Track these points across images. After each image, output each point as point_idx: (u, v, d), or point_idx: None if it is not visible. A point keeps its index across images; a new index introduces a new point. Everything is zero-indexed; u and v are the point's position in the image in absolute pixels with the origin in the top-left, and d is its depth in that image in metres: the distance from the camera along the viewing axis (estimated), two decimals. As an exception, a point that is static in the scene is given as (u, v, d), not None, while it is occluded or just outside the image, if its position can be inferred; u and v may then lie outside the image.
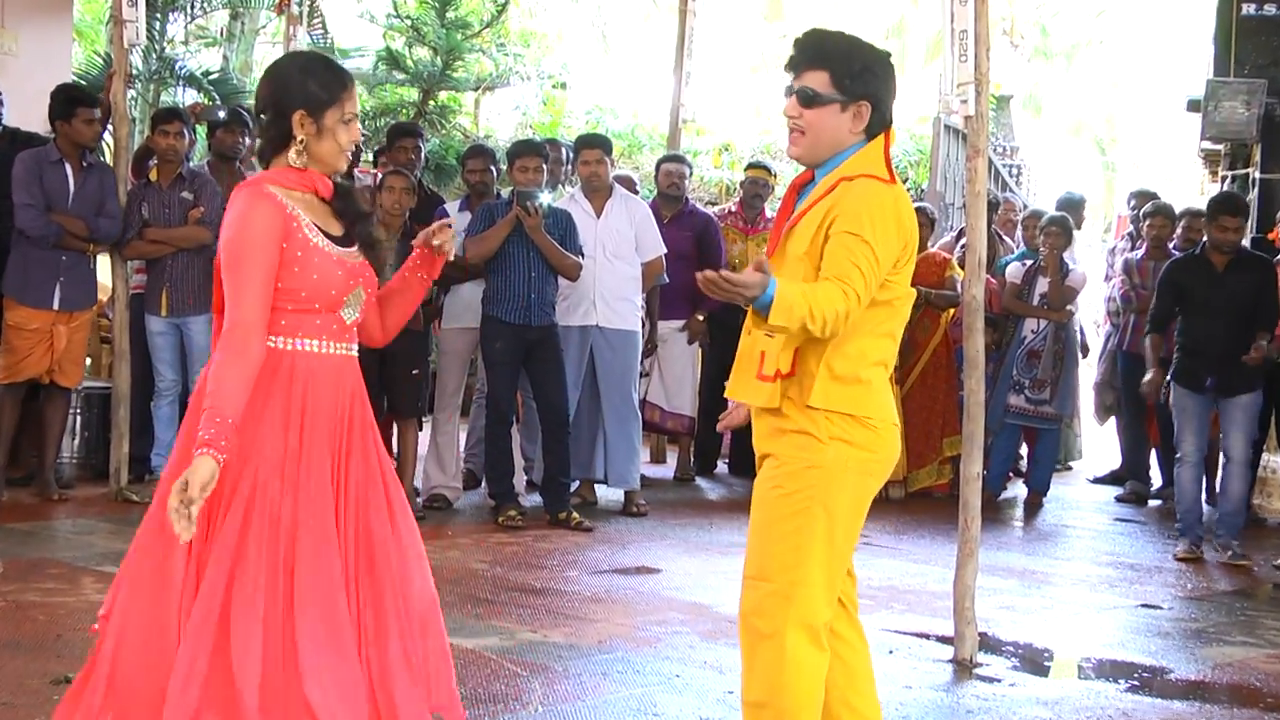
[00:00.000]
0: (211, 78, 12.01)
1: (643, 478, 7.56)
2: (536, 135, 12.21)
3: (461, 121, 13.32)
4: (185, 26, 13.36)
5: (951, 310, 8.13)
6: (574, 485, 7.22)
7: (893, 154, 3.07)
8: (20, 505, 6.59)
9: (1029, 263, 8.27)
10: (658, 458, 9.18)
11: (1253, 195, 9.34)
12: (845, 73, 2.96)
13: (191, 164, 7.31)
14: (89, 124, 6.67)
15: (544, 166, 6.84)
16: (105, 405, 7.16)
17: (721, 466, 8.99)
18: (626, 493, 7.35)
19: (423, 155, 7.87)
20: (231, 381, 2.64)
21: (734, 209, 8.75)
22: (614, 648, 4.64)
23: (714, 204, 11.33)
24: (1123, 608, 5.85)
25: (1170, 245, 8.38)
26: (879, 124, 3.01)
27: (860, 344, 2.94)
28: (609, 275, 7.15)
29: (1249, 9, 9.56)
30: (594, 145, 7.35)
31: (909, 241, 2.97)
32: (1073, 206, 9.54)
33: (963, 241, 5.97)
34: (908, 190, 4.76)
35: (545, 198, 6.73)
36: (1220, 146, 10.59)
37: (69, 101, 6.69)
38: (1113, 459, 9.54)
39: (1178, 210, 8.67)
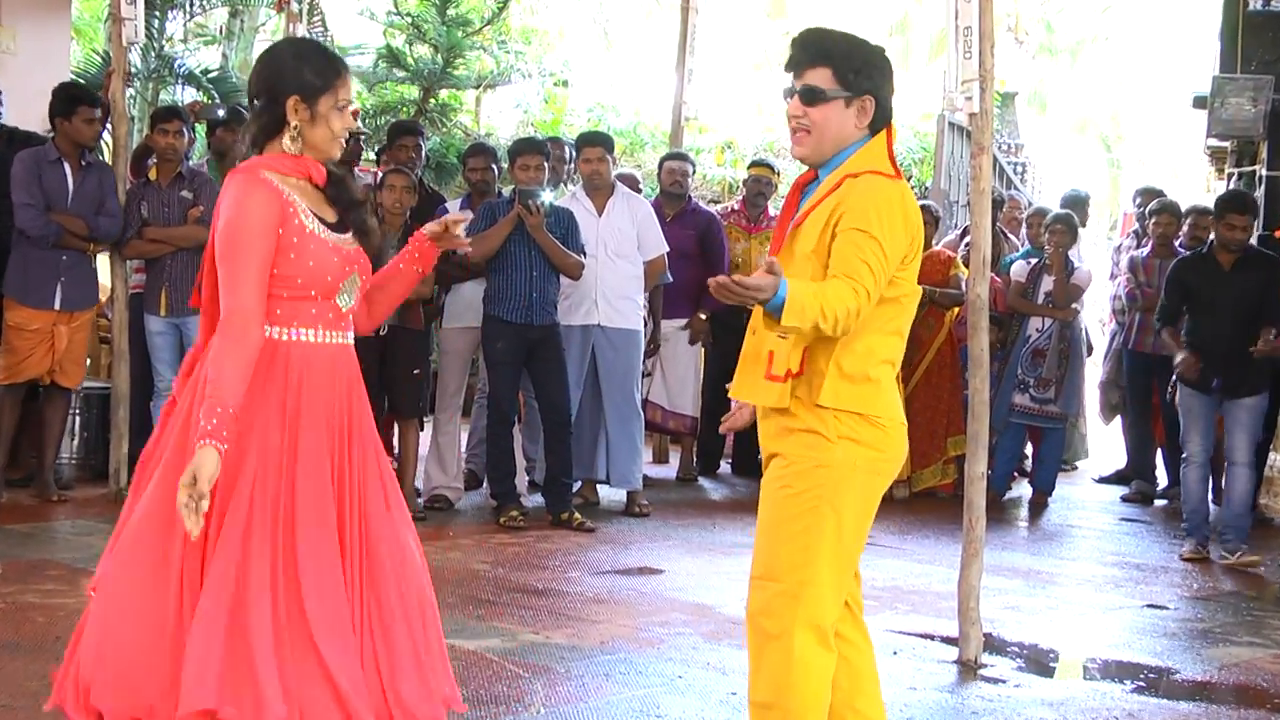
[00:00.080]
0: (211, 76, 11.98)
1: (645, 478, 7.54)
2: (538, 133, 12.18)
3: (462, 119, 13.29)
4: (184, 24, 13.33)
5: (956, 309, 8.10)
6: (576, 485, 7.19)
7: (896, 152, 3.06)
8: (19, 506, 6.57)
9: (1034, 261, 8.23)
10: (660, 458, 9.15)
11: (1259, 192, 9.28)
12: (848, 68, 2.96)
13: (191, 163, 7.29)
14: (89, 123, 6.64)
15: (545, 165, 6.81)
16: (104, 405, 7.14)
17: (724, 467, 8.97)
18: (629, 493, 7.32)
19: (423, 153, 7.86)
20: (231, 370, 2.64)
21: (737, 207, 8.72)
22: (616, 649, 4.62)
23: (717, 202, 11.31)
24: (1128, 608, 5.83)
25: (1176, 243, 8.34)
26: (881, 119, 3.01)
27: (868, 342, 2.94)
28: (611, 274, 7.12)
29: (1256, 4, 9.51)
30: (595, 143, 7.32)
31: (916, 237, 2.97)
32: (1077, 204, 9.49)
33: (967, 239, 5.93)
34: (912, 188, 4.72)
35: (547, 196, 6.70)
36: (1227, 143, 10.54)
37: (70, 99, 6.67)
38: (1118, 458, 9.51)
39: (1184, 208, 8.63)
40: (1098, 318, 11.44)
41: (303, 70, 2.80)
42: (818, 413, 2.92)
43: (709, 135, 14.19)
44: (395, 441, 7.06)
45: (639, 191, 8.14)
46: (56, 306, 6.64)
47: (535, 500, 7.12)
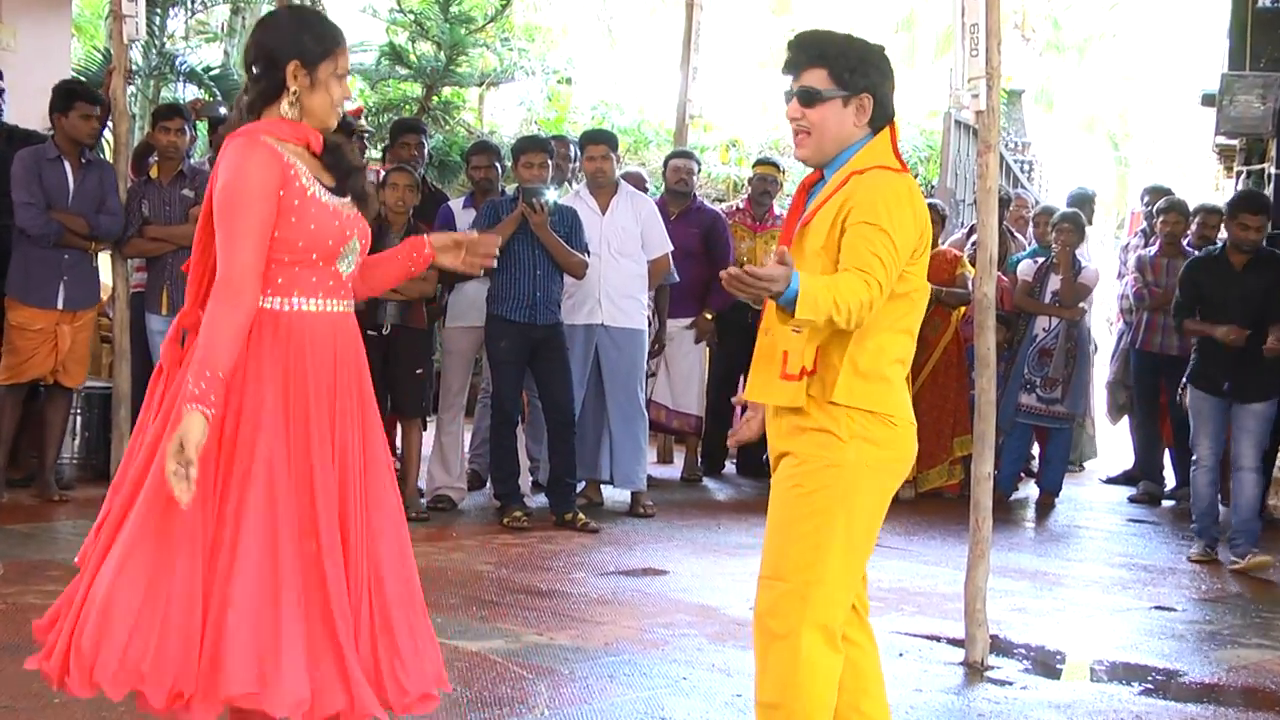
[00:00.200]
0: (212, 73, 11.98)
1: (649, 478, 7.50)
2: (541, 131, 12.17)
3: (465, 117, 13.28)
4: (186, 21, 13.34)
5: (962, 308, 8.06)
6: (580, 486, 7.16)
7: (902, 150, 3.05)
8: (20, 507, 6.55)
9: (1041, 260, 8.20)
10: (664, 458, 9.12)
11: (1268, 191, 9.24)
12: (844, 67, 2.97)
13: (192, 161, 7.26)
14: (85, 119, 6.60)
15: (549, 163, 6.78)
16: (106, 405, 7.11)
17: (729, 467, 8.94)
18: (633, 493, 7.29)
19: (426, 151, 7.84)
20: (224, 334, 2.62)
21: (742, 206, 8.69)
22: (621, 650, 4.60)
23: (721, 201, 11.28)
24: (1136, 610, 5.79)
25: (1184, 242, 8.30)
26: (882, 117, 3.02)
27: (880, 340, 2.93)
28: (614, 273, 7.09)
29: (1265, 1, 9.46)
30: (599, 141, 7.30)
31: (924, 230, 2.97)
32: (1084, 202, 9.46)
33: (974, 238, 5.91)
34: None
35: (551, 194, 6.67)
36: (1235, 141, 10.52)
37: (67, 95, 6.63)
38: (1126, 459, 9.46)
39: (1192, 206, 8.59)
40: (1105, 317, 11.39)
41: (303, 36, 2.78)
42: (831, 411, 2.91)
43: (714, 133, 14.18)
44: (398, 441, 7.04)
45: (645, 190, 8.10)
46: (60, 306, 6.61)
47: (539, 501, 7.09)
